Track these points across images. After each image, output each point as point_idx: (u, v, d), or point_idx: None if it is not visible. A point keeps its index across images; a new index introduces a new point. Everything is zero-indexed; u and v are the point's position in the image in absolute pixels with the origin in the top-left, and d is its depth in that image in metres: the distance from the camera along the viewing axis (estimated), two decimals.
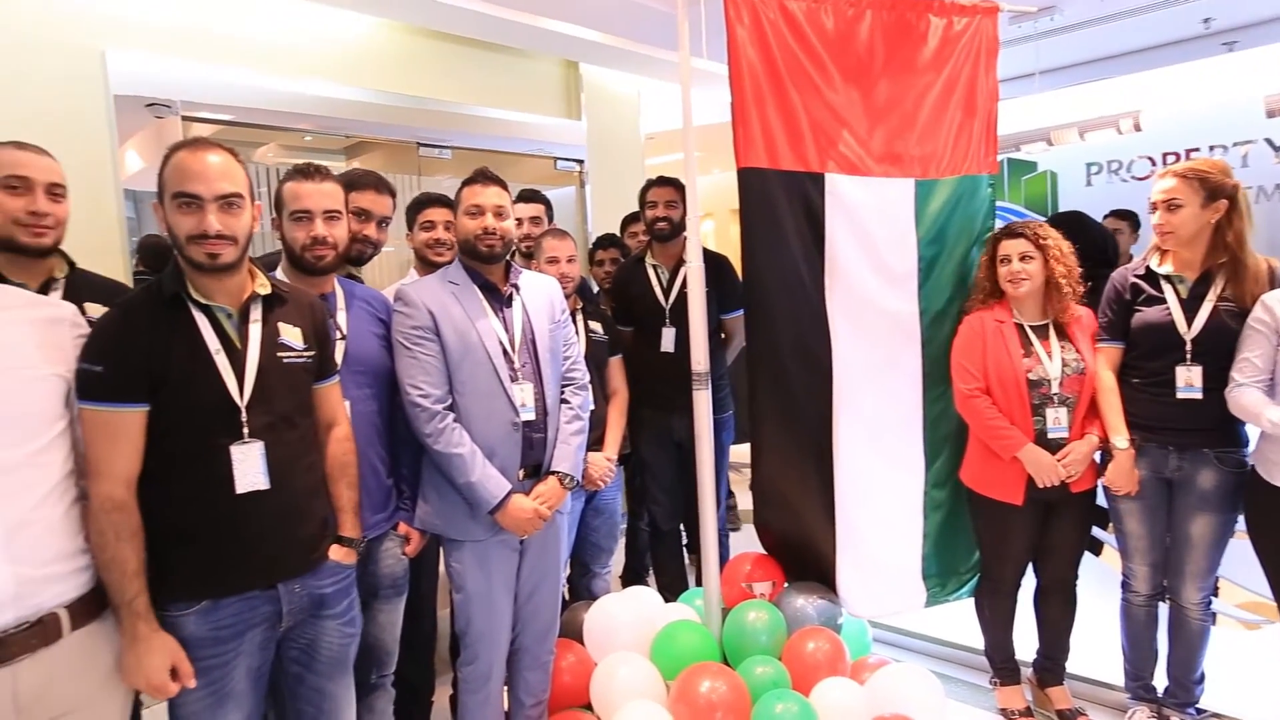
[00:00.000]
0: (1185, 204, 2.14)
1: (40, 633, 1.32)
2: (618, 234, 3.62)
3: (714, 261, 2.89)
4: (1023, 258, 2.30)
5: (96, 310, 1.68)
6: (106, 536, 1.39)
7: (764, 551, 2.68)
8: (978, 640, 2.60)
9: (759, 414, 2.55)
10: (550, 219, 2.93)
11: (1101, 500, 2.39)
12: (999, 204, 2.81)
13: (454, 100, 3.77)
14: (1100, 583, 2.53)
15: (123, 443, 1.43)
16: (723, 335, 3.11)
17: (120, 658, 1.43)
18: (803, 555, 2.60)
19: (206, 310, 1.52)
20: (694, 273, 2.37)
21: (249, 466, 1.51)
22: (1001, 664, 2.53)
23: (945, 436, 2.58)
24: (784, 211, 2.46)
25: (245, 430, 1.51)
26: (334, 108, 3.34)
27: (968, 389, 2.36)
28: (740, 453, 3.57)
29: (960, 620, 2.73)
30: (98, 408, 1.41)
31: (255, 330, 1.57)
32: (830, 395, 2.52)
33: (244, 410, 1.51)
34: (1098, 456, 2.32)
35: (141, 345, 1.44)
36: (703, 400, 2.40)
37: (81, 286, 1.80)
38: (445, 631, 2.59)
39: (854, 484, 2.53)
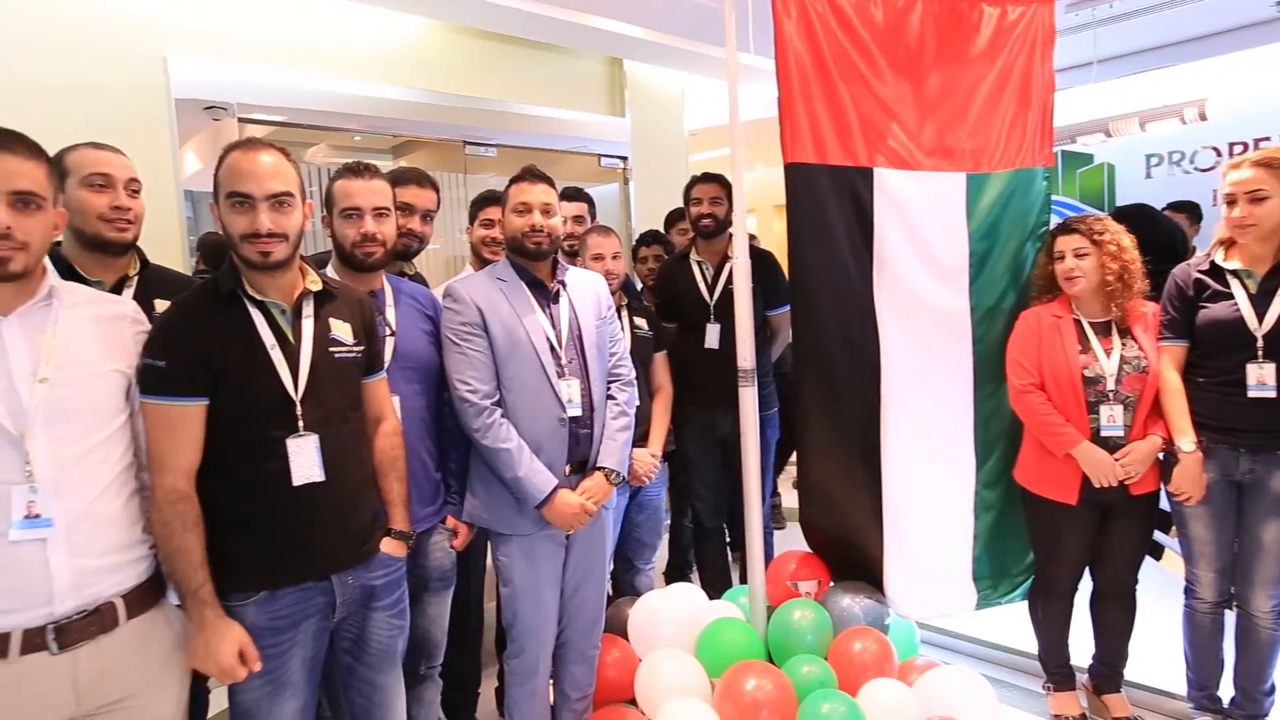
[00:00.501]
0: (1271, 195, 2.04)
1: (98, 621, 1.36)
2: (662, 230, 3.61)
3: (759, 257, 2.87)
4: (1077, 254, 2.24)
5: (166, 307, 1.73)
6: (172, 527, 1.43)
7: (809, 550, 2.66)
8: (1031, 644, 2.54)
9: (805, 411, 2.53)
10: (593, 217, 2.94)
11: (1164, 503, 2.31)
12: (1053, 198, 2.73)
13: (499, 99, 3.81)
14: (1160, 588, 2.45)
15: (184, 435, 1.46)
16: (768, 332, 3.09)
17: (188, 644, 1.47)
18: (849, 554, 2.57)
19: (261, 306, 1.55)
20: (740, 269, 2.35)
21: (305, 459, 1.53)
22: (1056, 669, 2.47)
23: (997, 436, 2.52)
24: (832, 207, 2.43)
25: (300, 424, 1.53)
26: (382, 107, 3.40)
27: (1022, 384, 2.30)
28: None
29: (1013, 623, 2.67)
30: (159, 401, 1.45)
31: (308, 326, 1.59)
32: (878, 393, 2.48)
33: (299, 404, 1.53)
34: (1161, 457, 2.24)
35: (201, 340, 1.48)
36: (748, 397, 2.38)
37: (154, 282, 1.85)
38: (490, 624, 2.62)
39: (902, 483, 2.49)
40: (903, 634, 2.53)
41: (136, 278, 1.83)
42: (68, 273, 1.70)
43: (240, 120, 3.00)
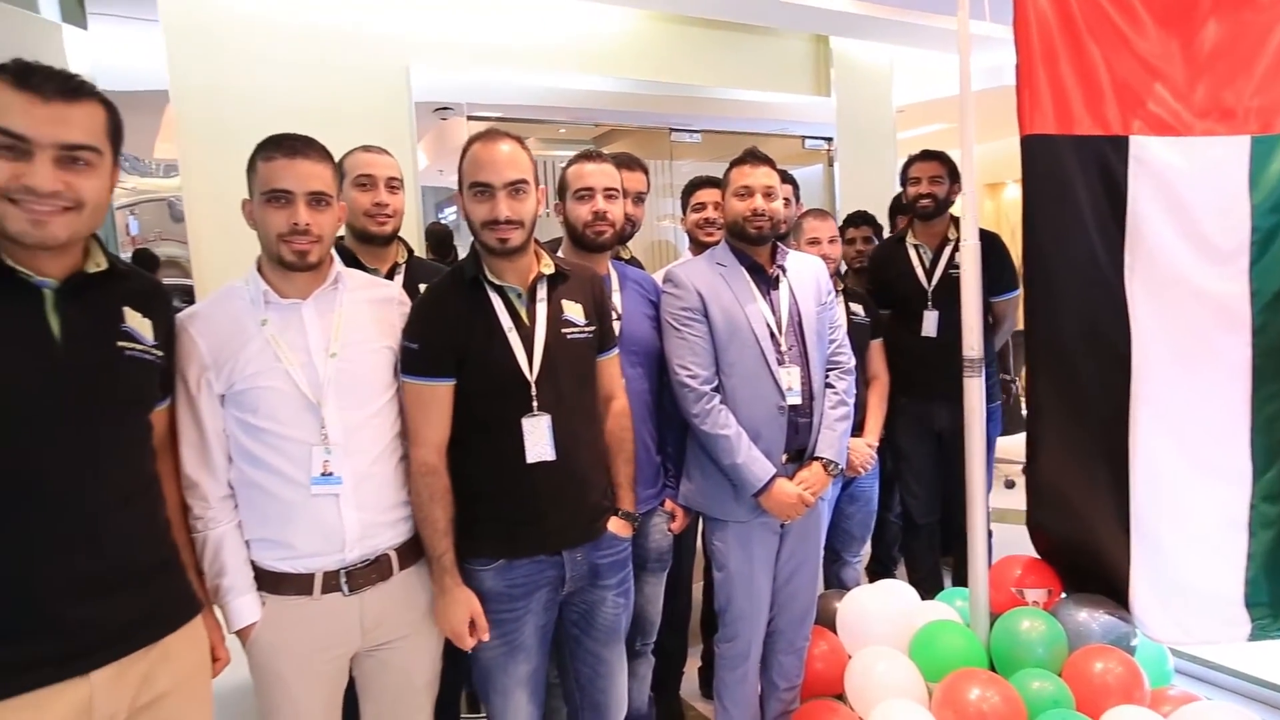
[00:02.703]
0: None
1: (377, 569, 1.54)
2: (888, 214, 3.46)
3: (985, 239, 2.66)
4: None
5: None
6: (421, 497, 1.57)
7: (1036, 555, 2.45)
8: None
9: (1039, 405, 2.32)
10: (797, 199, 2.87)
11: None
12: None
13: (703, 84, 3.82)
14: None
15: (434, 413, 1.59)
16: (991, 319, 2.87)
17: (434, 602, 1.62)
18: (1085, 564, 2.33)
19: (500, 291, 1.64)
20: (969, 251, 2.20)
21: (538, 438, 1.61)
22: None
23: None
24: (1076, 182, 2.20)
25: (535, 404, 1.61)
26: (591, 99, 3.51)
27: None
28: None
29: None
30: (414, 381, 1.58)
31: (542, 309, 1.66)
32: (1127, 387, 2.22)
33: (533, 385, 1.61)
34: None
35: (448, 325, 1.59)
36: (974, 388, 2.22)
37: (418, 270, 2.06)
38: (695, 604, 2.65)
39: (1155, 490, 2.21)
40: (1152, 659, 2.26)
41: (404, 265, 2.03)
42: (350, 262, 1.92)
43: (469, 119, 3.23)
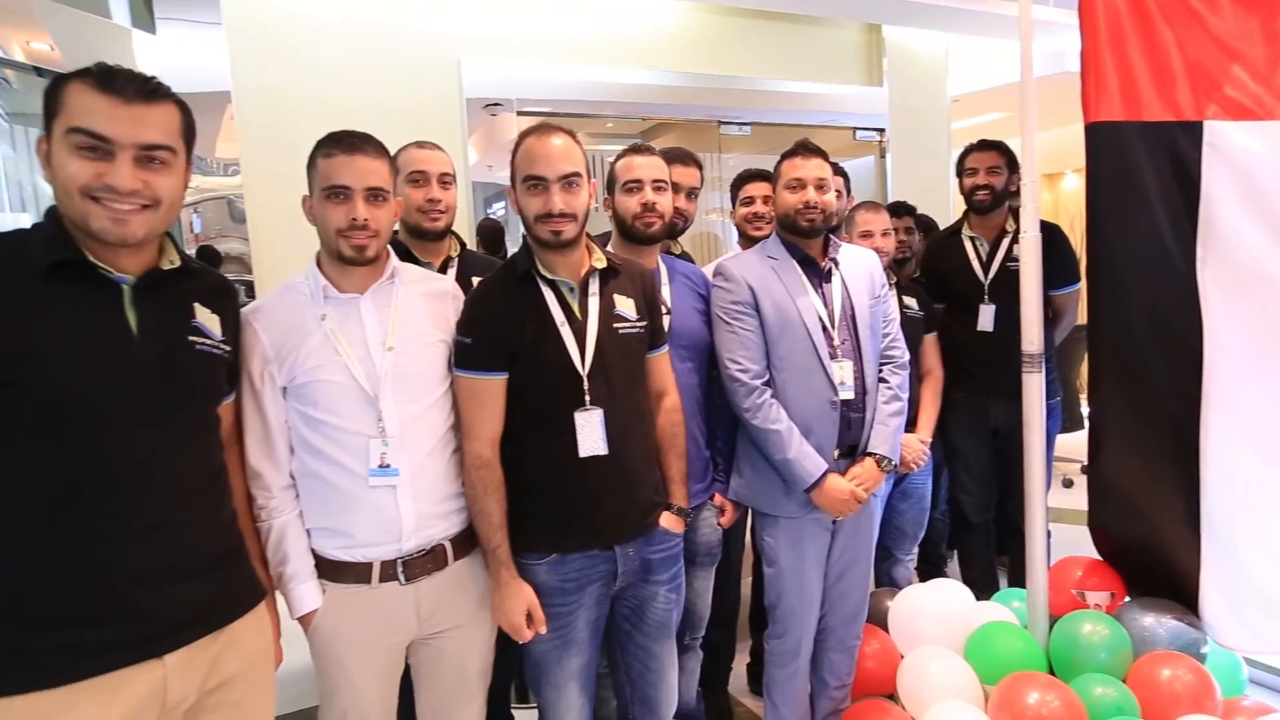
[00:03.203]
0: None
1: (432, 559, 1.56)
2: (909, 203, 3.36)
3: (1046, 231, 2.58)
4: None
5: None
6: (476, 490, 1.58)
7: (1098, 557, 2.37)
8: None
9: (1102, 401, 2.24)
10: (848, 191, 2.82)
11: None
12: None
13: (752, 76, 3.78)
14: None
15: (487, 407, 1.59)
16: (1050, 313, 2.78)
17: (490, 596, 1.63)
18: (1151, 567, 2.25)
19: (552, 285, 1.64)
20: (1029, 243, 2.13)
21: (590, 432, 1.61)
22: None
23: None
24: (1145, 170, 2.12)
25: (587, 398, 1.61)
26: (639, 92, 3.51)
27: None
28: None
29: None
30: (468, 375, 1.59)
31: (594, 303, 1.66)
32: (1198, 384, 2.13)
33: (585, 379, 1.61)
34: None
35: (501, 319, 1.59)
36: (1034, 385, 2.16)
37: (471, 264, 2.08)
38: (743, 599, 2.64)
39: (1230, 492, 2.12)
40: (1224, 667, 2.17)
41: (457, 259, 2.05)
42: (404, 256, 1.95)
43: (518, 114, 3.25)
